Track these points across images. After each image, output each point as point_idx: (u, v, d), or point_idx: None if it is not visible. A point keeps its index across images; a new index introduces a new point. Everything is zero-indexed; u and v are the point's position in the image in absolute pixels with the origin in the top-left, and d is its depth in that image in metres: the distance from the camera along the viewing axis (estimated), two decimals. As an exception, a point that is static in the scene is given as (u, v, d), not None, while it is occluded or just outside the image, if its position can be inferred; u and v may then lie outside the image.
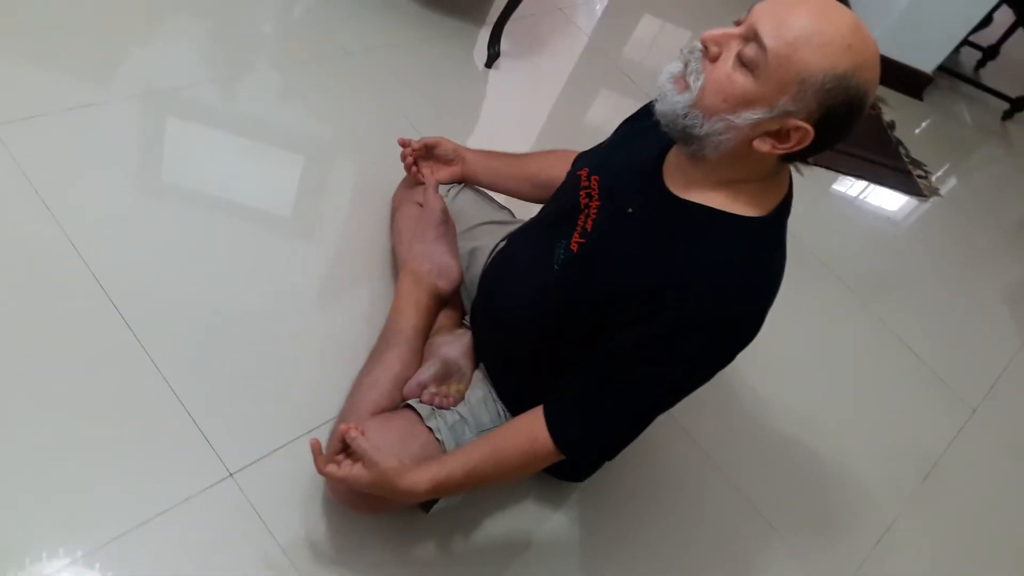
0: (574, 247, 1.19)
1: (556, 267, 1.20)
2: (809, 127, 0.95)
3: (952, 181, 2.98)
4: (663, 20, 2.98)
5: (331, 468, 1.12)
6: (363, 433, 1.14)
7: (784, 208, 1.09)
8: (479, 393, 1.34)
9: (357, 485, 1.12)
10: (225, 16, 1.98)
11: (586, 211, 1.21)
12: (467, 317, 1.51)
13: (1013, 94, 3.33)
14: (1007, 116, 3.34)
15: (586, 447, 1.15)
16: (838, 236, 2.48)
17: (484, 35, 2.31)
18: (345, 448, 1.15)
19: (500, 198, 1.65)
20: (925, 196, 2.72)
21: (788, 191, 1.10)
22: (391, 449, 1.15)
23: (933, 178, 2.85)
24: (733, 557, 1.55)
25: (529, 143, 2.15)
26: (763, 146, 0.99)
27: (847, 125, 0.97)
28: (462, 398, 1.33)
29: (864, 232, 2.58)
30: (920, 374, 2.14)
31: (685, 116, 1.01)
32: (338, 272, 1.62)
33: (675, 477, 1.61)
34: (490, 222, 1.56)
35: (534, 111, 2.26)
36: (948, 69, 3.26)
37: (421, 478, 1.12)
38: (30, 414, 1.21)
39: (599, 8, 2.82)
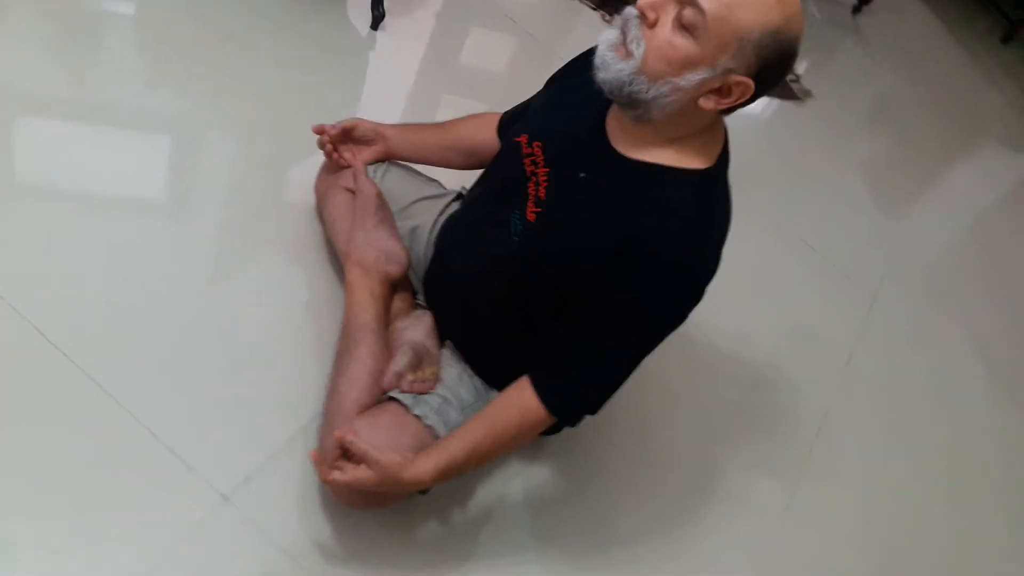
0: (531, 216, 1.21)
1: (515, 238, 1.23)
2: (750, 81, 1.01)
3: (812, 78, 3.15)
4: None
5: (335, 475, 1.14)
6: (356, 435, 1.15)
7: (725, 156, 1.15)
8: (453, 372, 1.37)
9: (364, 486, 1.14)
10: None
11: (534, 179, 1.22)
12: (419, 296, 1.52)
13: (858, -11, 3.54)
14: (856, 10, 3.55)
15: (577, 408, 1.21)
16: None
17: (361, -2, 2.25)
18: (344, 453, 1.16)
19: (427, 170, 1.64)
20: (800, 99, 2.88)
21: (726, 140, 1.16)
22: (385, 445, 1.17)
23: (802, 80, 3.01)
24: (698, 473, 1.67)
25: (434, 102, 2.14)
26: (708, 103, 1.04)
27: (781, 74, 1.04)
28: (437, 379, 1.35)
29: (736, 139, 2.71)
30: (821, 267, 2.31)
31: (631, 83, 1.04)
32: (271, 268, 1.59)
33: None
34: (424, 198, 1.56)
35: (429, 67, 2.23)
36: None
37: (426, 467, 1.15)
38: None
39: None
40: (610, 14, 2.71)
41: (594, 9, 2.73)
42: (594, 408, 1.22)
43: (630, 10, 1.04)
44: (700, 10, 0.97)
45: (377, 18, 2.14)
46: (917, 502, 1.84)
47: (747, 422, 1.80)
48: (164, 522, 1.20)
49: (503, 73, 2.38)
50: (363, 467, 1.14)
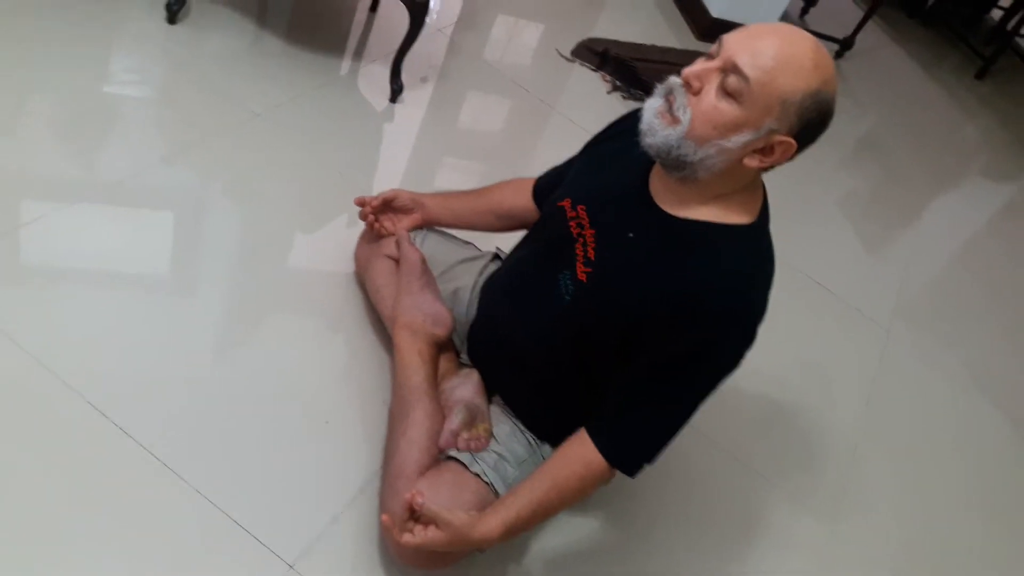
0: (582, 276, 1.26)
1: (567, 297, 1.27)
2: (792, 140, 1.07)
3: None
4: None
5: (407, 538, 1.16)
6: (423, 496, 1.18)
7: (765, 210, 1.21)
8: (505, 428, 1.40)
9: (435, 547, 1.16)
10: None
11: (581, 240, 1.28)
12: (462, 356, 1.56)
13: (839, 35, 3.70)
14: (838, 55, 3.70)
15: (637, 458, 1.24)
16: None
17: (374, 70, 2.33)
18: (412, 514, 1.19)
19: (461, 234, 1.69)
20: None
21: (765, 196, 1.22)
22: (448, 503, 1.20)
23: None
24: (741, 513, 1.70)
25: (454, 167, 2.22)
26: (752, 162, 1.10)
27: (820, 130, 1.10)
28: (491, 435, 1.38)
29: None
30: (832, 305, 2.38)
31: (679, 147, 1.10)
32: (313, 337, 1.62)
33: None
34: (463, 260, 1.61)
35: (445, 134, 2.32)
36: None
37: (493, 524, 1.17)
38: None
39: (479, 23, 2.87)
40: (610, 75, 2.81)
41: (594, 70, 2.83)
42: (652, 457, 1.26)
43: (673, 80, 1.11)
44: (744, 77, 1.04)
45: (396, 91, 2.22)
46: (952, 525, 1.89)
47: (781, 461, 1.84)
48: (235, 594, 1.21)
49: (517, 137, 2.46)
50: (433, 528, 1.16)
